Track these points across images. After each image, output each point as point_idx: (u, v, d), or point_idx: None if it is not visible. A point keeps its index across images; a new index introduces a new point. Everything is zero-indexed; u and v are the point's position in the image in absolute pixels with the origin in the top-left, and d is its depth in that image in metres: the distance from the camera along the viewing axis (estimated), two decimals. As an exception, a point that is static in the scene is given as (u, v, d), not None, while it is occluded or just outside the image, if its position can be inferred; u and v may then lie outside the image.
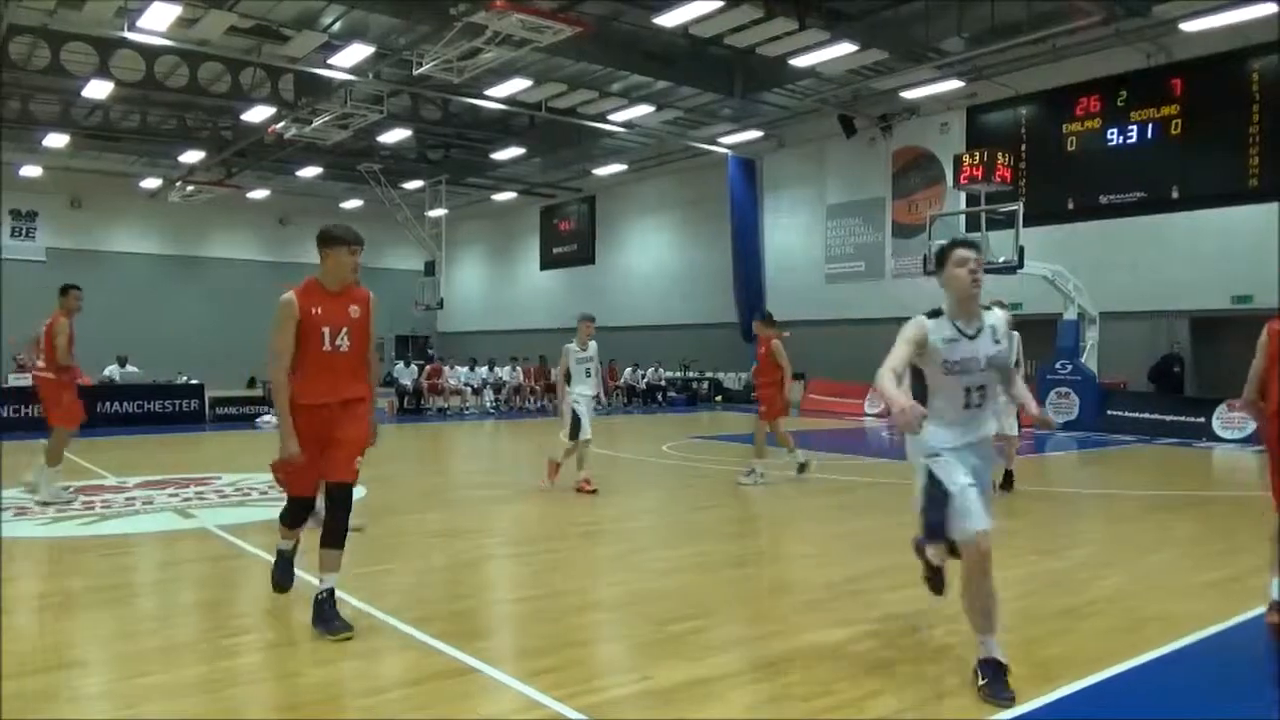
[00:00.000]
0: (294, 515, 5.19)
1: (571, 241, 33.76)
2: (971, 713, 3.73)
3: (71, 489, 9.40)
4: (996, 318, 4.02)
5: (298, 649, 4.68)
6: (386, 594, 5.64)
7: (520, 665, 4.34)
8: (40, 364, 9.22)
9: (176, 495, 9.38)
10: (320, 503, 5.10)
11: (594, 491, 9.41)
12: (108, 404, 18.56)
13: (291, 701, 3.94)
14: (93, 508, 8.70)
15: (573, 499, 9.31)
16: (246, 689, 4.11)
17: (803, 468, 10.64)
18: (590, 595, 5.60)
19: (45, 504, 8.65)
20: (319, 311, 4.73)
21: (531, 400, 24.36)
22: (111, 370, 20.14)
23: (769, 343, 10.56)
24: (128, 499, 9.22)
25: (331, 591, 4.80)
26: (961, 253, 3.92)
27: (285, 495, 5.25)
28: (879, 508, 9.07)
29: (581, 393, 9.78)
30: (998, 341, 3.97)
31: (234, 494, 9.58)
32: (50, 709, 3.78)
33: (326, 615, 4.72)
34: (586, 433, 9.71)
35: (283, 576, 5.14)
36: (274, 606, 5.25)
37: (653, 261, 29.39)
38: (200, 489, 9.84)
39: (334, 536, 4.86)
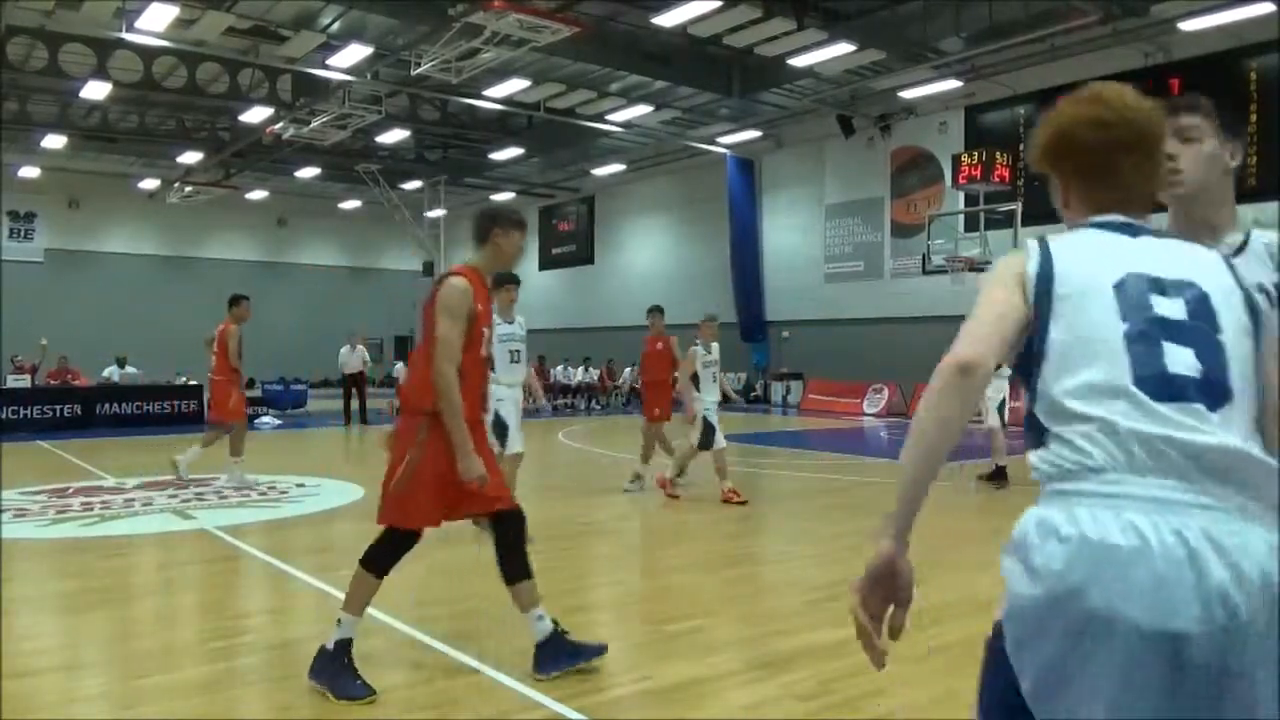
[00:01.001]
0: (395, 555, 4.17)
1: (570, 242, 33.76)
2: (971, 712, 3.73)
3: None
4: None
5: (297, 650, 4.68)
6: (385, 595, 5.62)
7: (520, 666, 4.34)
8: (212, 366, 10.41)
9: (176, 496, 9.38)
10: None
11: (744, 502, 8.91)
12: (106, 405, 18.55)
13: (291, 702, 3.93)
14: (92, 509, 8.69)
15: (574, 500, 9.31)
16: (246, 690, 4.11)
17: (637, 478, 9.74)
18: (589, 595, 5.60)
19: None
20: (482, 309, 4.04)
21: (531, 400, 24.35)
22: (110, 371, 20.12)
23: (663, 339, 10.07)
24: (127, 500, 9.21)
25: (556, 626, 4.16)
26: None
27: (389, 528, 4.13)
28: (878, 508, 9.07)
29: (711, 399, 9.23)
30: None
31: (233, 495, 9.58)
32: (50, 710, 3.78)
33: (561, 651, 4.10)
34: (722, 441, 9.15)
35: (358, 686, 3.85)
36: (274, 607, 5.25)
37: (651, 261, 29.39)
38: (199, 490, 9.84)
39: (525, 565, 4.25)
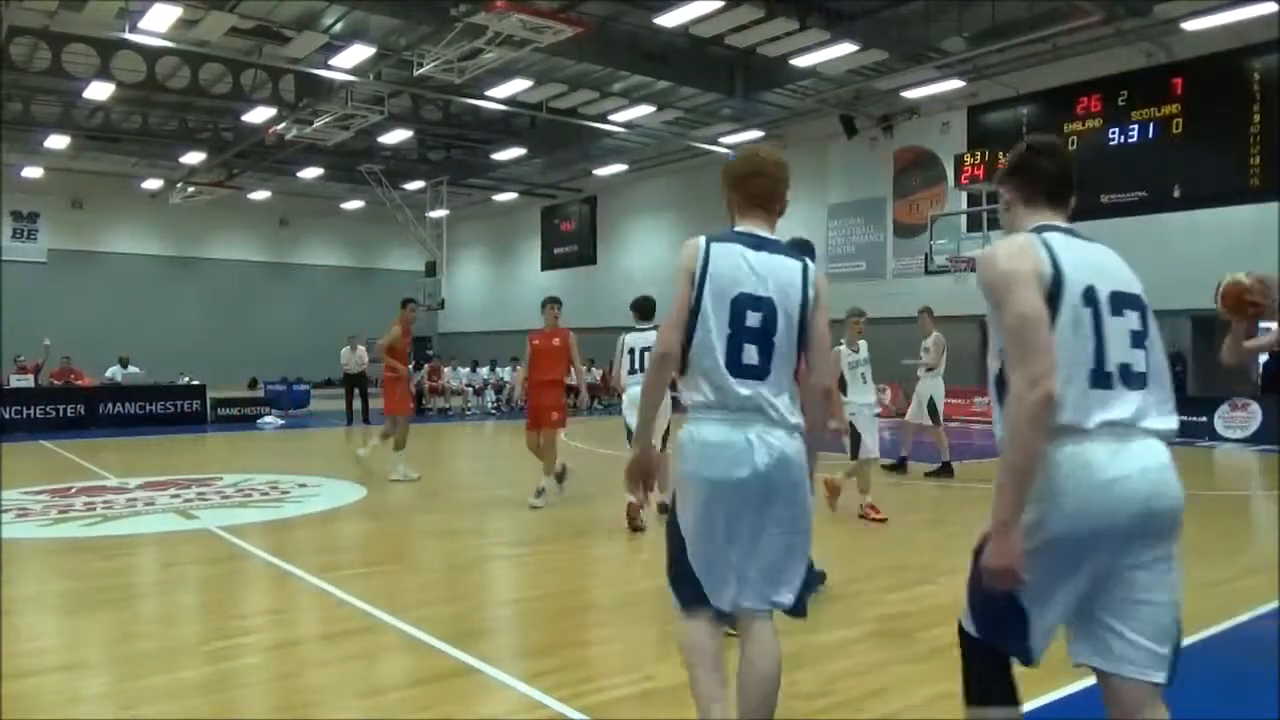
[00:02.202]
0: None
1: (573, 242, 33.76)
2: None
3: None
4: None
5: (298, 650, 4.69)
6: (387, 594, 5.65)
7: (521, 666, 4.34)
8: (386, 365, 10.99)
9: (178, 496, 9.39)
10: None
11: (883, 520, 7.97)
12: (109, 405, 18.58)
13: (292, 702, 3.94)
14: (94, 509, 8.70)
15: (575, 500, 9.30)
16: (247, 690, 4.11)
17: (540, 493, 8.95)
18: (591, 595, 5.60)
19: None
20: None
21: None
22: (113, 371, 20.15)
23: (561, 333, 9.07)
24: (129, 500, 9.22)
25: None
26: None
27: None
28: (880, 508, 9.05)
29: (860, 402, 8.11)
30: None
31: (236, 495, 9.59)
32: (51, 710, 3.79)
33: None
34: (871, 449, 8.07)
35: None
36: (275, 607, 5.25)
37: (654, 261, 29.34)
38: (202, 490, 9.85)
39: None
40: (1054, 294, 2.23)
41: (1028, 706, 3.76)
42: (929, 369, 10.86)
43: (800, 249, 3.95)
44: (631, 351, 8.44)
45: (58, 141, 25.72)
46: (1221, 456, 14.30)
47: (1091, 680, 4.03)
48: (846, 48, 17.43)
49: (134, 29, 16.51)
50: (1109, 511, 2.21)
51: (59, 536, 7.52)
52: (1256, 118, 16.85)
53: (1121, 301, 2.31)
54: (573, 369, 9.31)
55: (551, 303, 9.41)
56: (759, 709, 2.83)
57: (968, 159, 18.15)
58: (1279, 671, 4.17)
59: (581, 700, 3.83)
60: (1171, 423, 2.33)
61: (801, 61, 18.17)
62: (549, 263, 34.95)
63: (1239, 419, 15.69)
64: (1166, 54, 17.83)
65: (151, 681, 4.12)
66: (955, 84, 19.71)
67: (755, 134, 24.31)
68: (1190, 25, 15.74)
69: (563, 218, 34.36)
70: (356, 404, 19.74)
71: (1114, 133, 18.84)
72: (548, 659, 4.44)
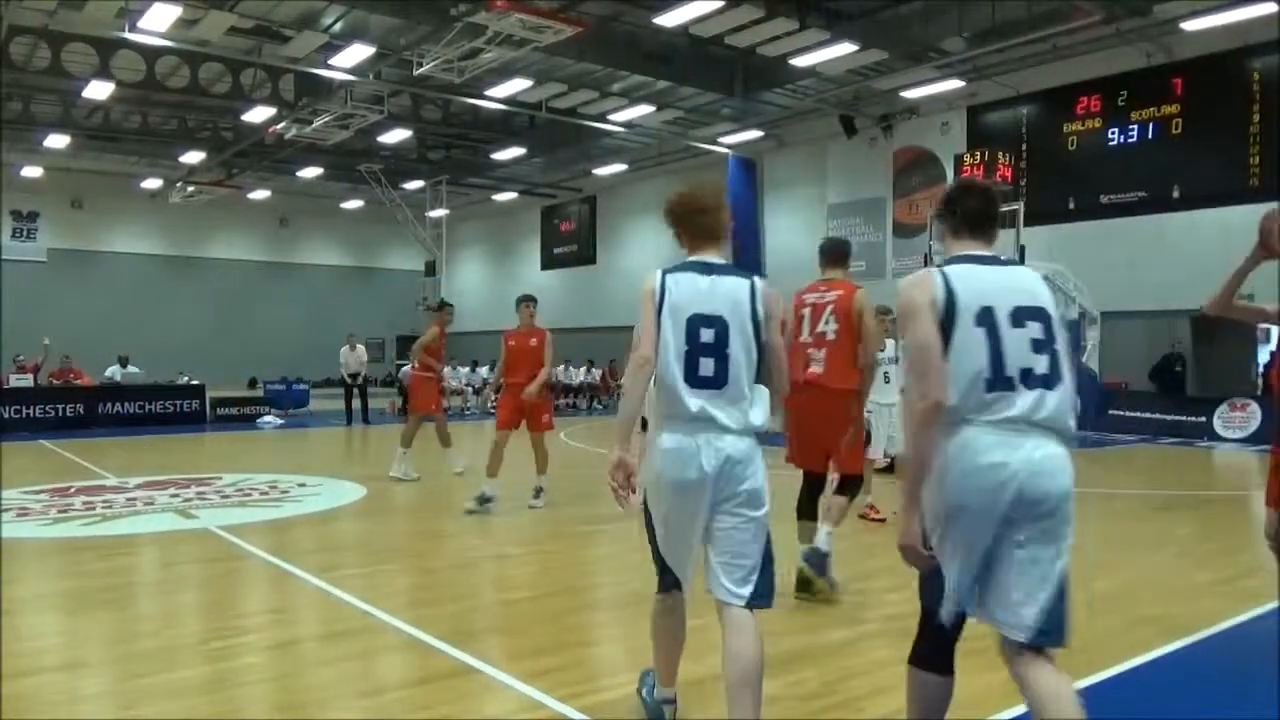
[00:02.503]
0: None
1: (572, 241, 33.75)
2: (972, 711, 3.73)
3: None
4: None
5: (298, 650, 4.69)
6: (387, 594, 5.65)
7: (521, 665, 4.33)
8: (421, 364, 11.04)
9: (178, 496, 9.38)
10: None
11: (883, 519, 7.95)
12: (109, 404, 18.57)
13: (292, 702, 3.94)
14: (94, 508, 8.70)
15: (576, 500, 9.30)
16: (247, 689, 4.11)
17: (539, 493, 8.93)
18: (591, 595, 5.60)
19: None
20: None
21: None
22: (113, 370, 20.14)
23: (538, 333, 8.84)
24: (129, 499, 9.22)
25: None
26: None
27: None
28: (881, 507, 9.05)
29: (880, 402, 8.04)
30: None
31: (235, 494, 9.59)
32: (51, 709, 3.78)
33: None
34: (873, 452, 8.02)
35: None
36: (275, 607, 5.25)
37: (654, 261, 28.82)
38: (201, 489, 9.85)
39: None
40: (949, 317, 2.70)
41: (1024, 707, 3.77)
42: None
43: (835, 250, 5.63)
44: None
45: (57, 141, 25.71)
46: (1221, 457, 14.30)
47: (1091, 680, 4.04)
48: (846, 48, 17.43)
49: (133, 28, 16.52)
50: (989, 489, 2.62)
51: (58, 536, 7.52)
52: (1256, 118, 16.86)
53: (1024, 314, 2.73)
54: (543, 370, 8.70)
55: (527, 301, 9.00)
56: (745, 693, 3.06)
57: (967, 159, 18.14)
58: (1279, 667, 4.17)
59: (581, 700, 3.83)
60: (1068, 419, 2.72)
61: (801, 61, 18.17)
62: (548, 262, 34.94)
63: (1238, 419, 15.69)
64: (1166, 54, 17.84)
65: (151, 681, 4.11)
66: (955, 84, 19.71)
67: (755, 134, 24.32)
68: (1190, 25, 15.75)
69: (562, 217, 34.36)
70: (356, 403, 19.74)
71: (1114, 133, 18.84)
72: (547, 659, 4.43)
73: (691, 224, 3.41)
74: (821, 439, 5.45)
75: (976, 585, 2.70)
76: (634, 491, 3.23)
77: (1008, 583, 2.65)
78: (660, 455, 3.22)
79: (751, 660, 3.08)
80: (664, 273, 3.33)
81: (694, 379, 3.18)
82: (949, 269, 2.81)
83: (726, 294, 3.24)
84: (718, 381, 3.18)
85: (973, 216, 2.93)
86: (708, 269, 3.31)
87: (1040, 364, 2.68)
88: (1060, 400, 2.68)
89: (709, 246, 3.40)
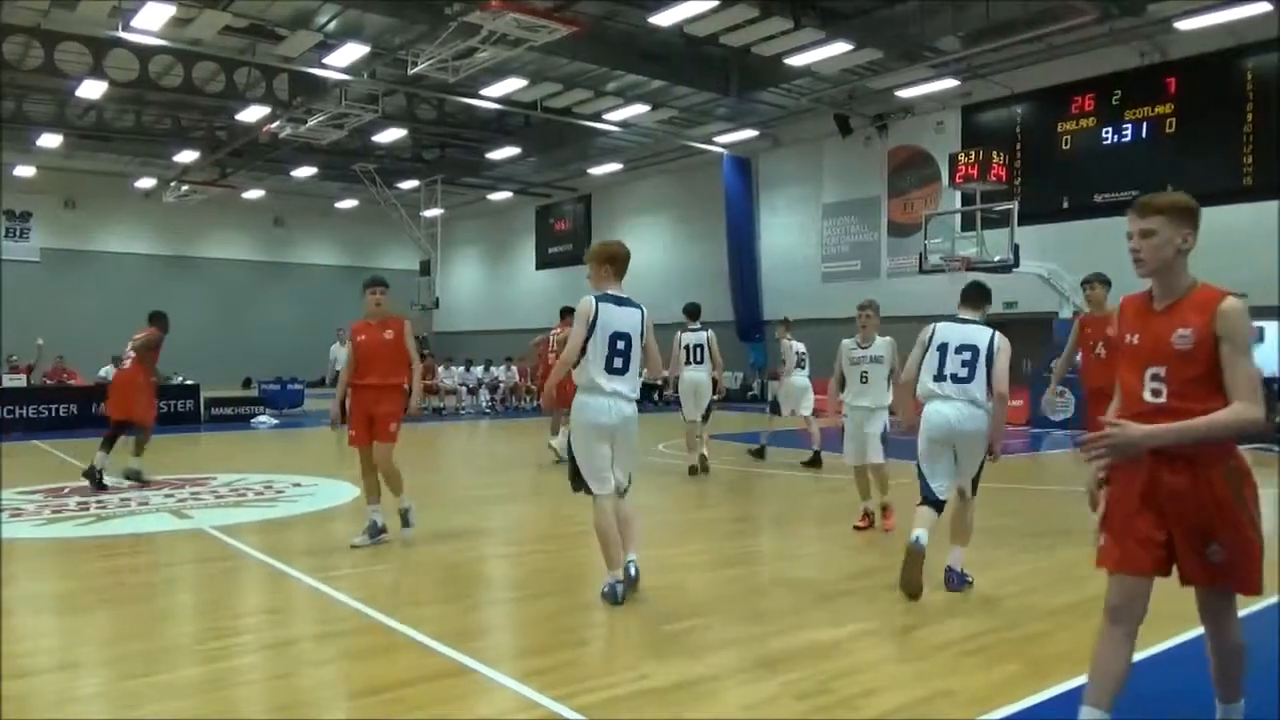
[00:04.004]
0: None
1: (567, 241, 33.72)
2: (968, 710, 3.74)
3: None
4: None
5: (294, 649, 4.68)
6: (382, 594, 5.64)
7: (517, 665, 4.33)
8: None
9: (172, 496, 9.36)
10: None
11: (867, 528, 7.58)
12: (102, 405, 18.44)
13: (287, 702, 3.93)
14: (88, 509, 8.67)
15: (573, 499, 9.28)
16: (242, 689, 4.10)
17: (376, 533, 7.10)
18: (586, 594, 5.59)
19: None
20: None
21: (528, 400, 24.34)
22: (106, 370, 20.02)
23: (394, 323, 7.19)
24: (123, 499, 9.19)
25: None
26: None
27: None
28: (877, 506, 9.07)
29: (852, 404, 7.65)
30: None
31: (230, 494, 9.56)
32: (46, 710, 3.77)
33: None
34: (846, 454, 7.76)
35: None
36: (270, 607, 5.24)
37: (649, 261, 29.31)
38: (196, 489, 9.83)
39: None
40: (928, 346, 5.70)
41: (1026, 703, 3.78)
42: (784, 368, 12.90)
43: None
44: (686, 347, 11.18)
45: (51, 140, 25.64)
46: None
47: (1079, 680, 4.05)
48: (841, 47, 17.44)
49: (127, 27, 16.47)
50: (939, 426, 5.60)
51: (53, 536, 7.50)
52: (1249, 117, 16.90)
53: (963, 348, 5.61)
54: (413, 368, 7.31)
55: (373, 286, 7.18)
56: (630, 535, 5.43)
57: (962, 158, 18.14)
58: (1279, 667, 4.18)
59: (576, 699, 3.83)
60: (979, 397, 5.57)
61: (796, 61, 18.18)
62: (544, 262, 34.93)
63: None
64: (1160, 53, 17.88)
65: (146, 681, 4.10)
66: (950, 83, 19.74)
67: (750, 133, 24.32)
68: (1183, 25, 15.79)
69: (557, 217, 34.34)
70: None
71: (1108, 132, 18.87)
72: (542, 658, 4.43)
73: (607, 266, 5.40)
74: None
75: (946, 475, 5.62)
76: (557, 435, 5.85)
77: (956, 469, 5.63)
78: (584, 409, 5.29)
79: (633, 513, 5.49)
80: (596, 300, 5.28)
81: (610, 369, 5.25)
82: (941, 324, 5.77)
83: (631, 318, 5.32)
84: (623, 372, 5.30)
85: (969, 297, 5.87)
86: (620, 301, 5.35)
87: (962, 371, 5.57)
88: (975, 390, 5.57)
89: (616, 282, 5.42)
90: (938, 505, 5.53)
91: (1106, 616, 3.00)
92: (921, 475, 5.60)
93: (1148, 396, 2.99)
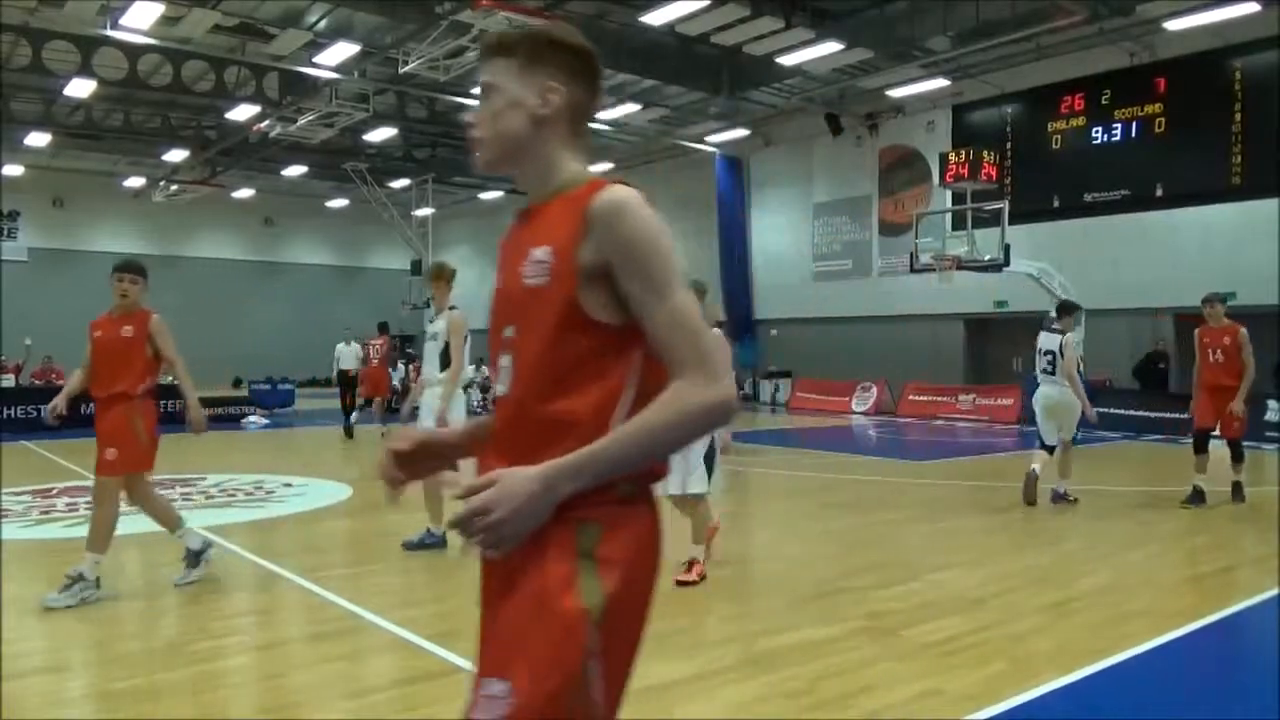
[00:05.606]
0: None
1: (559, 240, 33.71)
2: (958, 710, 3.75)
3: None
4: None
5: (284, 650, 4.67)
6: (373, 594, 5.63)
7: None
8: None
9: (162, 496, 9.30)
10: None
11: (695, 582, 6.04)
12: (91, 405, 18.38)
13: (278, 703, 3.92)
14: (77, 509, 8.63)
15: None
16: (232, 691, 4.09)
17: (76, 585, 5.36)
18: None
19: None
20: None
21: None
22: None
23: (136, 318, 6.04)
24: (112, 500, 9.14)
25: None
26: None
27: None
28: (866, 505, 9.10)
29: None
30: None
31: (220, 495, 9.54)
32: (35, 711, 3.75)
33: None
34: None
35: None
36: (260, 608, 5.23)
37: (640, 260, 29.35)
38: (185, 490, 9.79)
39: None
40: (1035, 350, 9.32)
41: (1012, 702, 3.80)
42: None
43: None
44: None
45: (39, 139, 25.52)
46: (1212, 451, 14.36)
47: (1076, 676, 4.07)
48: (832, 46, 17.48)
49: (115, 26, 16.41)
50: (1038, 401, 9.13)
51: (41, 537, 7.47)
52: (1238, 117, 16.98)
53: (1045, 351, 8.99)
54: (173, 372, 6.38)
55: (120, 272, 5.95)
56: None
57: (953, 157, 18.19)
58: (1279, 661, 4.21)
59: (569, 699, 3.82)
60: (1061, 383, 8.81)
61: (787, 60, 18.21)
62: (535, 261, 34.87)
63: (1221, 416, 15.78)
64: (1149, 53, 17.96)
65: (136, 683, 4.09)
66: (940, 83, 19.79)
67: (741, 132, 24.34)
68: (1172, 25, 15.86)
69: (549, 216, 34.30)
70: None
71: (1097, 131, 18.95)
72: (535, 658, 4.42)
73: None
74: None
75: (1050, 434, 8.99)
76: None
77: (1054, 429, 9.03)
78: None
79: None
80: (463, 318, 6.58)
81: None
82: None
83: None
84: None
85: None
86: None
87: (1050, 366, 8.92)
88: (1060, 379, 8.78)
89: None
90: (1050, 450, 8.71)
91: None
92: (1039, 433, 9.00)
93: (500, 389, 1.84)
